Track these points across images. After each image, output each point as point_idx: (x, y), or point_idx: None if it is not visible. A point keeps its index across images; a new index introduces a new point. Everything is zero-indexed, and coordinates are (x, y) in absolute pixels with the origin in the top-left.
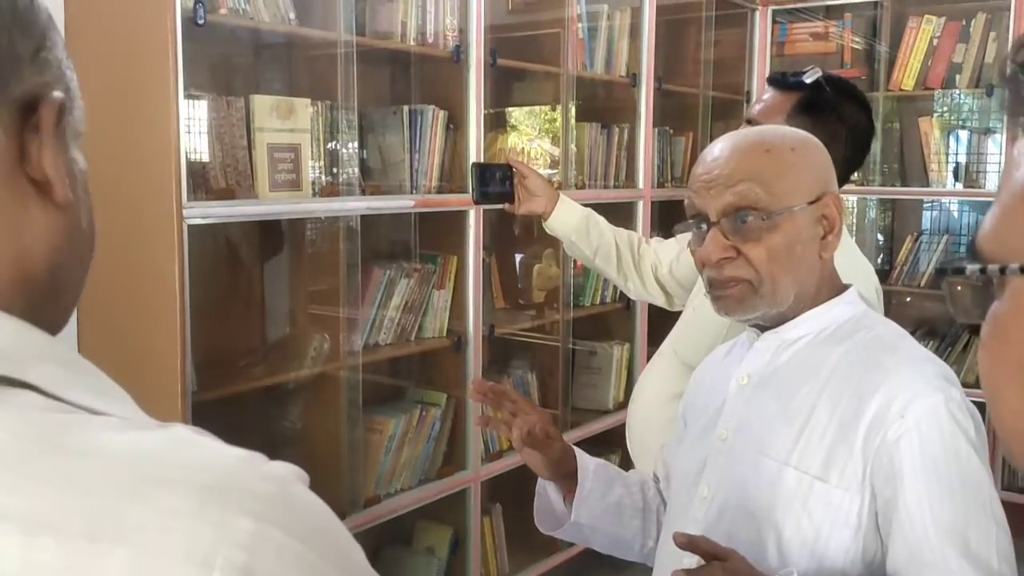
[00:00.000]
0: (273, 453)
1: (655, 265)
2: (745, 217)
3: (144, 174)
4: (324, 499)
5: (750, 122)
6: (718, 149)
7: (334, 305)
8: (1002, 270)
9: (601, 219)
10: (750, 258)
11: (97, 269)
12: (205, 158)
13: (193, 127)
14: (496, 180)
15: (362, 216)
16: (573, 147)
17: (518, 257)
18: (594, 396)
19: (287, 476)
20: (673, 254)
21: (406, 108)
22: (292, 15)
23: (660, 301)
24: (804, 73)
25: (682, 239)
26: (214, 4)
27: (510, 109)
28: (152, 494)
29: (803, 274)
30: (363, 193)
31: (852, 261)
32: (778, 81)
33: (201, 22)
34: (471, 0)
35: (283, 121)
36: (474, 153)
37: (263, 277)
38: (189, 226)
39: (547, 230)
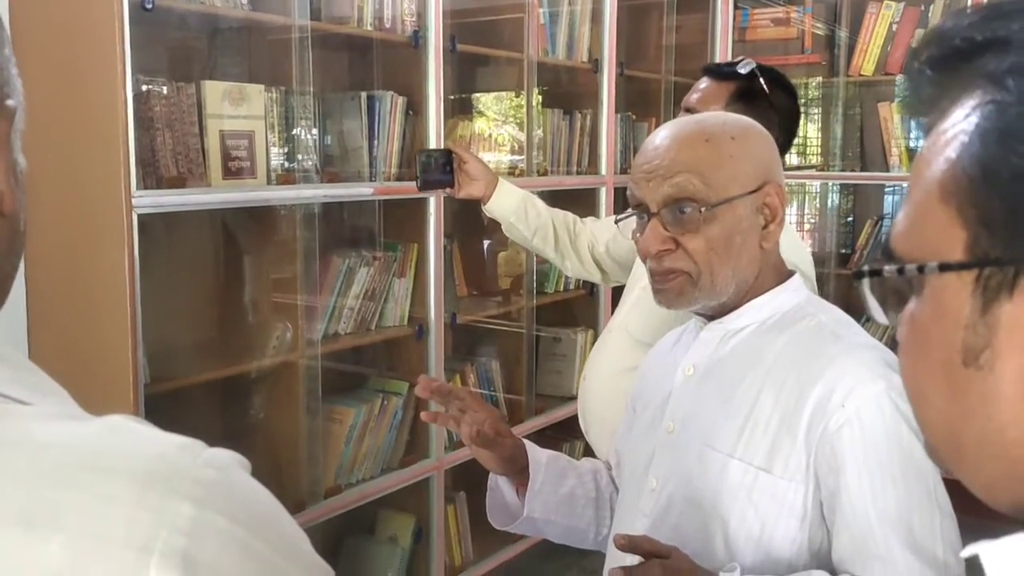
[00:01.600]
0: (231, 444)
1: (591, 244)
2: (683, 208)
3: (92, 163)
4: (284, 490)
5: (688, 110)
6: (659, 138)
7: (292, 294)
8: (920, 269)
9: (539, 201)
10: (688, 250)
11: (47, 260)
12: (155, 146)
13: (142, 114)
14: (437, 166)
15: (323, 204)
16: (539, 132)
17: (485, 244)
18: (559, 382)
19: (228, 463)
20: (609, 233)
21: (364, 94)
22: (245, 0)
23: (596, 278)
24: (737, 64)
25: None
26: None
27: (476, 95)
28: (89, 482)
29: (743, 264)
30: (321, 181)
31: (790, 250)
32: (714, 71)
33: (149, 6)
34: None
35: (236, 107)
36: (434, 140)
37: (221, 267)
38: (139, 216)
39: (487, 213)
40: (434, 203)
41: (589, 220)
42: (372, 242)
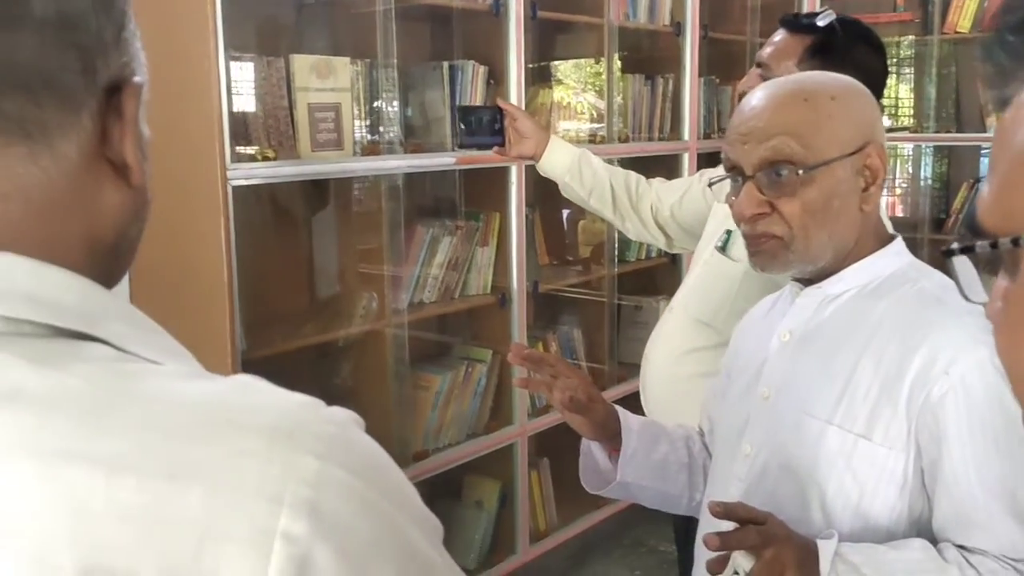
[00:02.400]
0: None
1: (655, 207)
2: (780, 171)
3: (188, 136)
4: None
5: (760, 65)
6: (755, 99)
7: (379, 264)
8: (1015, 242)
9: (595, 159)
10: (784, 214)
11: (147, 231)
12: (247, 119)
13: (234, 88)
14: (485, 123)
15: (406, 174)
16: (619, 99)
17: (564, 212)
18: (640, 350)
19: (345, 420)
20: (676, 196)
21: (446, 64)
22: None
23: (661, 243)
24: (818, 15)
25: (685, 181)
26: None
27: (554, 63)
28: (224, 436)
29: (842, 229)
30: (405, 151)
31: None
32: (790, 23)
33: None
34: None
35: (323, 80)
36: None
37: (310, 236)
38: (233, 187)
39: (540, 172)
40: (515, 171)
41: (656, 181)
42: (455, 212)
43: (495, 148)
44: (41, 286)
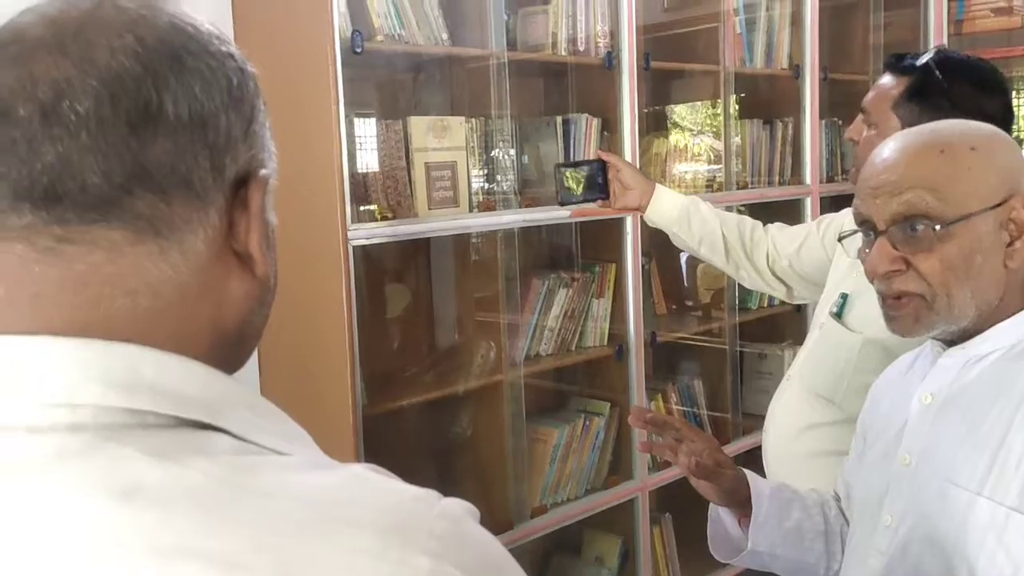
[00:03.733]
0: (440, 464)
1: (771, 256)
2: (915, 226)
3: (310, 197)
4: (492, 509)
5: (862, 110)
6: (887, 150)
7: (495, 316)
8: None
9: (705, 206)
10: (921, 270)
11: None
12: (367, 180)
13: (354, 151)
14: (588, 177)
15: (520, 227)
16: (737, 142)
17: (682, 259)
18: (765, 401)
19: (461, 515)
20: (794, 245)
21: (559, 118)
22: (445, 35)
23: (780, 294)
24: (922, 55)
25: (804, 229)
26: (371, 32)
27: (670, 107)
28: (338, 533)
29: (984, 286)
30: (520, 205)
31: None
32: (891, 64)
33: (359, 50)
34: (622, 5)
35: (440, 139)
36: (629, 158)
37: (428, 291)
38: (353, 247)
39: (648, 223)
40: (630, 221)
41: (773, 228)
42: (570, 263)
43: (599, 202)
44: (164, 376)
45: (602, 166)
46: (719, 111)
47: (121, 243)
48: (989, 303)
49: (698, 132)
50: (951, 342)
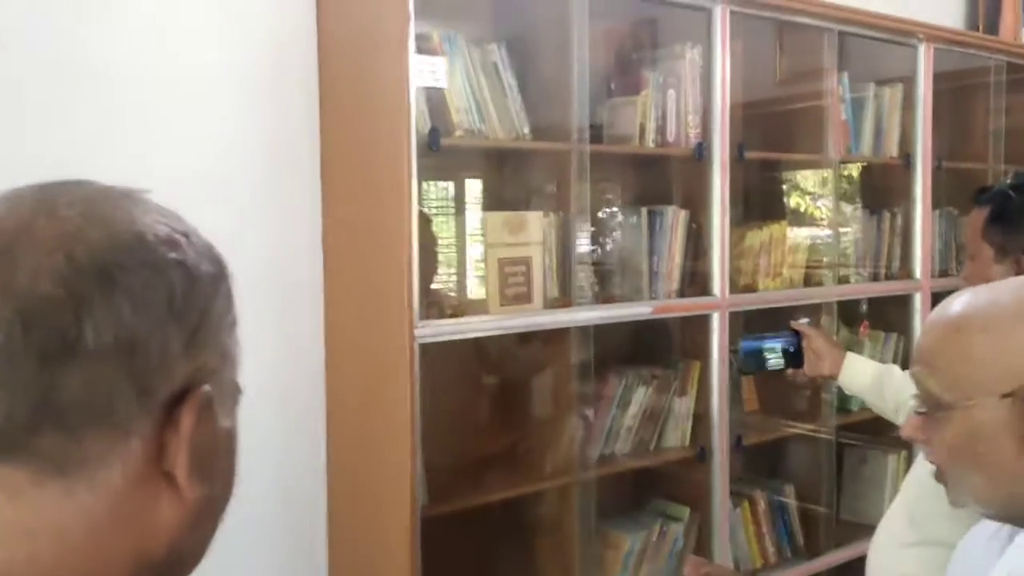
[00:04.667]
0: (503, 568)
1: None
2: (923, 402)
3: (379, 294)
4: None
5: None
6: (933, 312)
7: (568, 415)
8: None
9: (899, 373)
10: (933, 445)
11: (342, 381)
12: (438, 277)
13: (427, 246)
14: (784, 350)
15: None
16: (840, 232)
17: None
18: (865, 509)
19: None
20: None
21: (644, 210)
22: (526, 129)
23: None
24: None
25: None
26: (449, 127)
27: (763, 200)
28: None
29: (999, 476)
30: (597, 301)
31: None
32: (975, 197)
33: (436, 148)
34: (715, 95)
35: (515, 235)
36: (718, 252)
37: (498, 388)
38: (420, 345)
39: (843, 389)
40: (717, 318)
41: None
42: (651, 359)
43: (788, 371)
44: None
45: (796, 337)
46: (821, 202)
47: (23, 485)
48: (1014, 494)
49: (797, 223)
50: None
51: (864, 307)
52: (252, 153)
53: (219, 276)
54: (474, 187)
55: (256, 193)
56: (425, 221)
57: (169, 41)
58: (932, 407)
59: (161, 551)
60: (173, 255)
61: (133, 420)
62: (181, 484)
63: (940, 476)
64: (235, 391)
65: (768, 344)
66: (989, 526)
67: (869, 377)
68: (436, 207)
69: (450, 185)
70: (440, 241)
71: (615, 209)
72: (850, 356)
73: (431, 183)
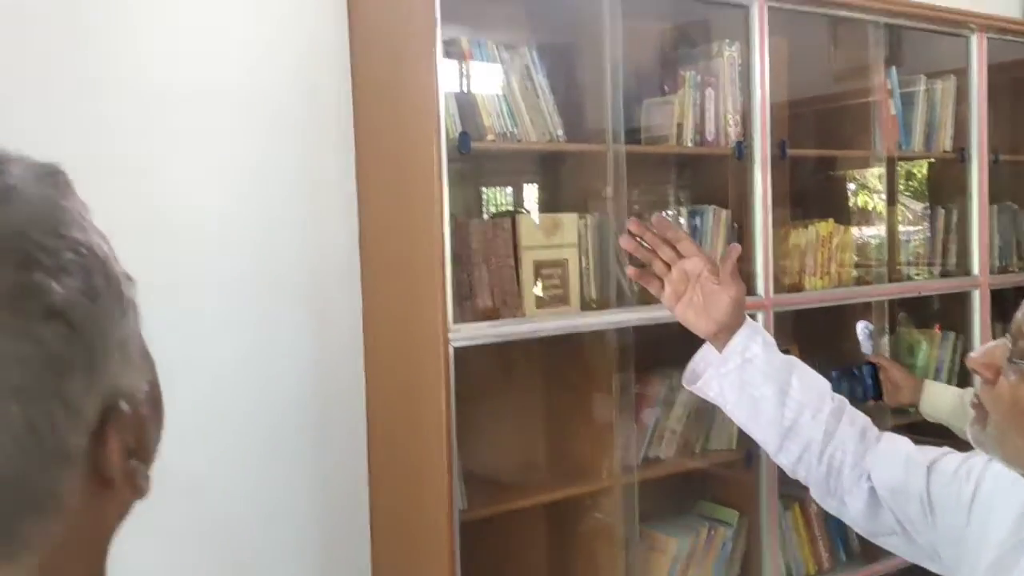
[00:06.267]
0: (545, 573)
1: None
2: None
3: (413, 297)
4: None
5: None
6: None
7: (609, 417)
8: None
9: None
10: (997, 389)
11: (381, 387)
12: (472, 280)
13: (460, 250)
14: (862, 382)
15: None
16: (898, 229)
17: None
18: None
19: None
20: None
21: (684, 210)
22: (560, 131)
23: None
24: None
25: None
26: (481, 131)
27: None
28: None
29: None
30: (636, 302)
31: None
32: None
33: (466, 151)
34: (755, 93)
35: (550, 237)
36: (760, 253)
37: (537, 391)
38: (455, 348)
39: (924, 416)
40: (762, 316)
41: None
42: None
43: (871, 401)
44: None
45: (873, 369)
46: (871, 199)
47: None
48: None
49: (846, 221)
50: None
51: (935, 305)
52: (288, 165)
53: (99, 289)
54: (508, 190)
55: (293, 204)
56: (458, 225)
57: (208, 60)
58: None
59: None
60: (39, 303)
61: (61, 483)
62: (121, 480)
63: (980, 417)
64: (137, 340)
65: (847, 381)
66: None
67: (949, 402)
68: (470, 210)
69: (484, 188)
70: (474, 244)
71: (654, 209)
72: (928, 383)
73: (464, 186)
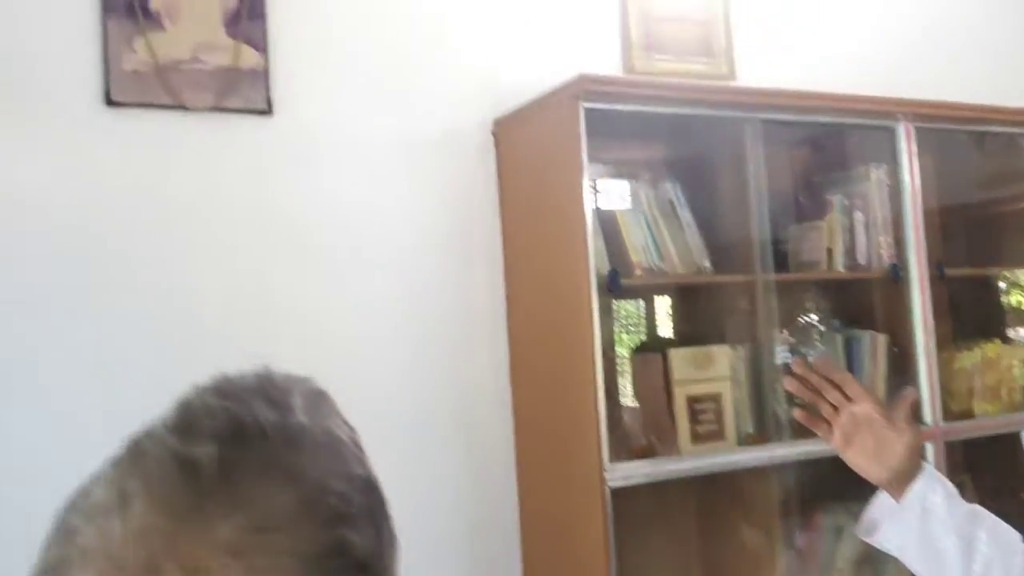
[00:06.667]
0: None
1: None
2: None
3: (568, 438)
4: None
5: None
6: None
7: (771, 560)
8: None
9: None
10: None
11: (537, 531)
12: (626, 418)
13: (612, 388)
14: None
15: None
16: None
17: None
18: None
19: None
20: None
21: (839, 337)
22: (707, 263)
23: None
24: None
25: None
26: (628, 268)
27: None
28: None
29: None
30: (794, 436)
31: None
32: None
33: (616, 290)
34: (906, 213)
35: (702, 371)
36: (925, 377)
37: (695, 530)
38: (612, 488)
39: None
40: (932, 448)
41: None
42: (862, 496)
43: None
44: None
45: None
46: None
47: None
48: None
49: (1007, 339)
50: None
51: None
52: (445, 313)
53: (385, 530)
54: (658, 324)
55: (448, 344)
56: (610, 363)
57: (369, 202)
58: None
59: None
60: (347, 560)
61: None
62: None
63: None
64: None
65: None
66: None
67: None
68: (619, 348)
69: (634, 324)
70: (625, 381)
71: (807, 337)
72: None
73: (614, 324)
